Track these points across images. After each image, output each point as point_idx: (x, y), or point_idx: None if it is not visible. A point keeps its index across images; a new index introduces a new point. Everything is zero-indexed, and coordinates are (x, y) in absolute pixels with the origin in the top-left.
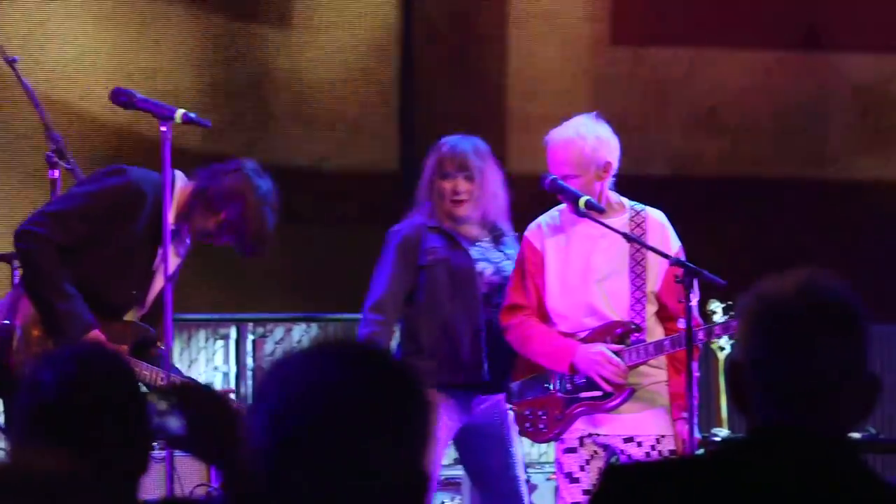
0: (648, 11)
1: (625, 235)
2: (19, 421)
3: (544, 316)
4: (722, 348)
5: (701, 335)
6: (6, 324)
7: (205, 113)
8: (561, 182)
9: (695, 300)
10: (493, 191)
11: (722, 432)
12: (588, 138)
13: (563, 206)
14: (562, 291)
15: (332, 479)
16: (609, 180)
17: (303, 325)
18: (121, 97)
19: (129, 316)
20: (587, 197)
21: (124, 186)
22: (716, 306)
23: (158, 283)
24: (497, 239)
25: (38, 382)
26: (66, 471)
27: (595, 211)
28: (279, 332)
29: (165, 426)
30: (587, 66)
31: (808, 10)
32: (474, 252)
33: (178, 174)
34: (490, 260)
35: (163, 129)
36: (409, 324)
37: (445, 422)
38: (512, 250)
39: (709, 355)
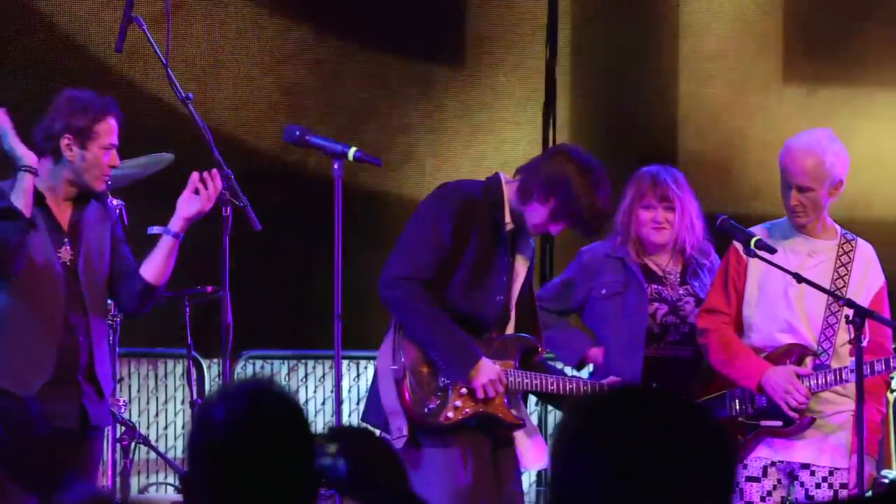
0: (820, 50)
1: (795, 276)
2: (190, 457)
3: (740, 325)
4: (893, 390)
5: (878, 367)
6: (395, 369)
7: (377, 150)
8: (732, 221)
9: (865, 341)
10: (690, 221)
11: (891, 474)
12: (829, 152)
13: (777, 220)
14: (759, 303)
15: None
16: (833, 200)
17: None
18: (293, 134)
19: (509, 328)
20: (758, 237)
21: (455, 204)
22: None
23: (517, 286)
24: (686, 271)
25: (209, 420)
26: None
27: (766, 251)
28: None
29: (331, 469)
30: (759, 105)
31: None
32: (651, 291)
33: (501, 175)
34: (668, 300)
35: (335, 166)
36: None
37: None
38: (706, 281)
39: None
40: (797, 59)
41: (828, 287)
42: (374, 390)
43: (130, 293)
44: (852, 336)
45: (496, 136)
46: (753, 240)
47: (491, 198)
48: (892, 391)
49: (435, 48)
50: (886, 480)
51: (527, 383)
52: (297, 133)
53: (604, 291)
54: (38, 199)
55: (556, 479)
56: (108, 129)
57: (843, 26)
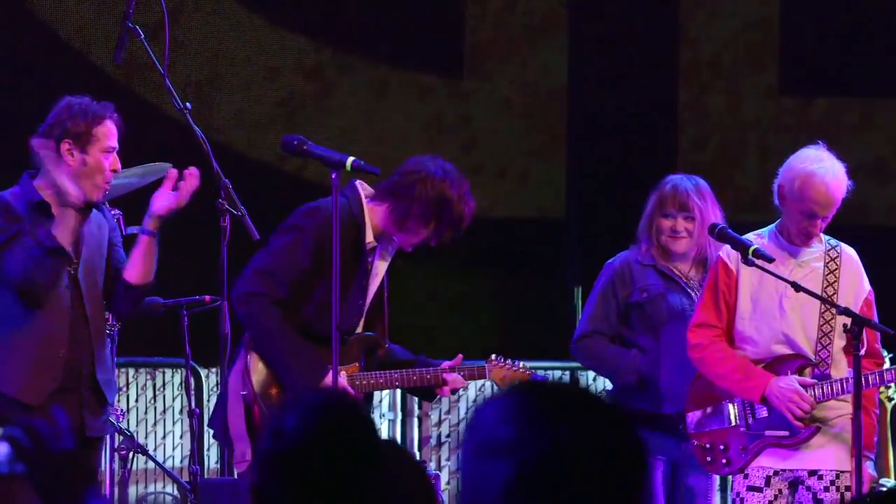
0: (818, 61)
1: (793, 284)
2: (260, 467)
3: (732, 338)
4: (891, 399)
5: (872, 380)
6: (245, 394)
7: (375, 160)
8: (730, 231)
9: (863, 350)
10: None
11: (889, 482)
12: (843, 175)
13: (760, 230)
14: (754, 316)
15: None
16: None
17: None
18: (291, 144)
19: (358, 329)
20: (756, 246)
21: (317, 227)
22: (884, 355)
23: (373, 287)
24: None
25: (280, 429)
26: None
27: (763, 259)
28: None
29: None
30: (756, 115)
31: None
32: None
33: (360, 188)
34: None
35: (333, 175)
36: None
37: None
38: None
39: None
40: (794, 68)
41: (819, 293)
42: (222, 401)
43: (118, 295)
44: (846, 344)
45: (494, 147)
46: (751, 249)
47: (353, 219)
48: (891, 399)
49: (433, 58)
50: (884, 488)
51: (372, 384)
52: (295, 143)
53: (645, 295)
54: (44, 208)
55: (463, 486)
56: (107, 133)
57: (840, 36)
